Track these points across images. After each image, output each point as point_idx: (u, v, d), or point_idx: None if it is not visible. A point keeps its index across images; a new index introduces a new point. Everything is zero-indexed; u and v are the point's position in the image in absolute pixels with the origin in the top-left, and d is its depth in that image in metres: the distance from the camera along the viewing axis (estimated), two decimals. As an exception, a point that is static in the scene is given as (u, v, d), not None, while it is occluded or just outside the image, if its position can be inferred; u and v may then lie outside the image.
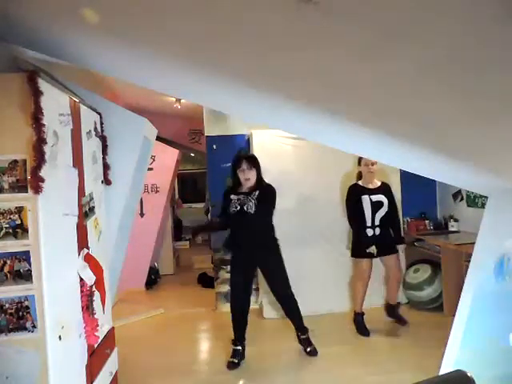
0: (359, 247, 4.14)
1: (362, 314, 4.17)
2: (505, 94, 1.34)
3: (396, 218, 4.29)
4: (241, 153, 3.85)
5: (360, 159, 4.21)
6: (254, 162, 3.64)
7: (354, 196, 4.15)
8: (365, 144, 2.40)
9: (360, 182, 4.23)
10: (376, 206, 4.09)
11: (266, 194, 3.60)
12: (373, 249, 4.01)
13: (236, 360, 3.54)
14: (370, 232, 4.08)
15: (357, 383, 3.20)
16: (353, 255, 4.26)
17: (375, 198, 4.10)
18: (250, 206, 3.54)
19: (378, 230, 4.08)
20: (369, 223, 4.08)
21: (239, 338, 3.63)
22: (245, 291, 3.66)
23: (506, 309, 1.93)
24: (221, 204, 3.80)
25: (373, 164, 4.10)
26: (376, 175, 4.20)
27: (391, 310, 4.32)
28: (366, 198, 4.09)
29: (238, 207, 3.55)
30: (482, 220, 2.20)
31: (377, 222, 4.08)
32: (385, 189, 4.19)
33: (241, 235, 3.63)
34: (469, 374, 1.27)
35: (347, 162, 4.60)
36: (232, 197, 3.62)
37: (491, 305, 2.02)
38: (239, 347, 3.61)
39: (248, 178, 3.58)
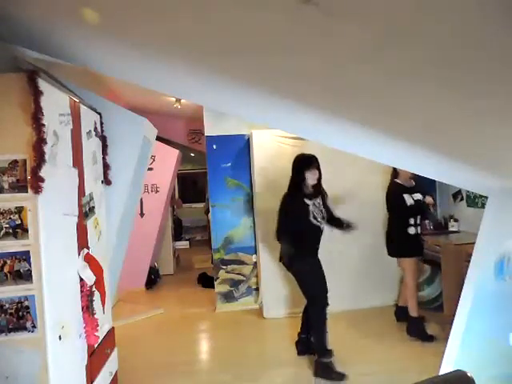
0: (407, 246, 4.01)
1: (422, 317, 4.04)
2: (505, 94, 1.34)
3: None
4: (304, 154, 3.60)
5: None
6: (319, 162, 3.54)
7: (396, 194, 4.03)
8: (365, 144, 2.40)
9: (399, 181, 4.10)
10: (417, 204, 3.99)
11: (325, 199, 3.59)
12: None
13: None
14: (412, 230, 3.98)
15: (357, 383, 3.20)
16: (402, 255, 4.08)
17: (416, 196, 4.02)
18: (323, 212, 3.51)
19: (419, 229, 4.02)
20: (411, 221, 3.98)
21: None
22: None
23: (506, 309, 1.93)
24: (287, 211, 3.49)
25: None
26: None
27: (402, 311, 4.21)
28: (408, 197, 3.98)
29: (320, 214, 3.48)
30: (482, 220, 2.20)
31: (418, 221, 4.01)
32: (420, 187, 4.09)
33: (317, 242, 3.51)
34: (469, 374, 1.27)
35: (347, 162, 4.60)
36: (307, 202, 3.44)
37: (491, 305, 2.02)
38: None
39: (317, 177, 3.48)
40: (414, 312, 3.96)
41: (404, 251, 4.03)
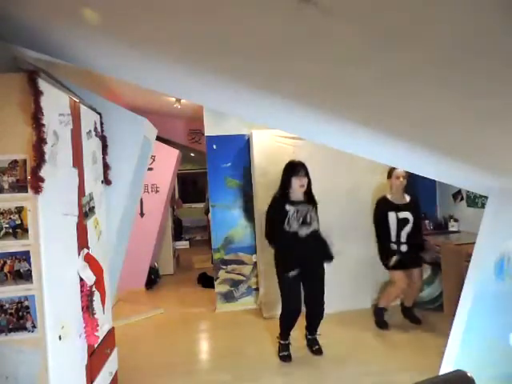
0: (386, 260, 4.15)
1: (385, 309, 4.26)
2: (505, 94, 1.34)
3: (419, 234, 4.24)
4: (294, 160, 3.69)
5: (390, 171, 4.19)
6: (307, 170, 3.59)
7: (381, 211, 4.16)
8: (365, 144, 2.40)
9: (389, 196, 4.20)
10: (402, 222, 4.08)
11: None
12: (393, 260, 4.03)
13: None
14: (393, 247, 4.10)
15: (357, 383, 3.20)
16: (386, 268, 4.21)
17: (402, 215, 4.09)
18: (306, 219, 3.53)
19: (403, 247, 4.08)
20: (393, 239, 4.10)
21: None
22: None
23: (506, 309, 1.93)
24: (267, 215, 3.65)
25: (404, 177, 4.09)
26: (404, 188, 4.19)
27: (407, 311, 4.33)
28: (392, 215, 4.08)
29: (298, 221, 3.50)
30: (481, 220, 2.20)
31: (402, 239, 4.09)
32: (413, 204, 4.16)
33: (300, 250, 3.51)
34: (469, 374, 1.27)
35: (347, 162, 4.60)
36: (288, 207, 3.51)
37: (491, 305, 2.02)
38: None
39: (303, 184, 3.54)
40: (382, 303, 4.26)
41: (386, 265, 4.16)
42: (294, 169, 3.58)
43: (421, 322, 4.21)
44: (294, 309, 3.55)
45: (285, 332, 3.66)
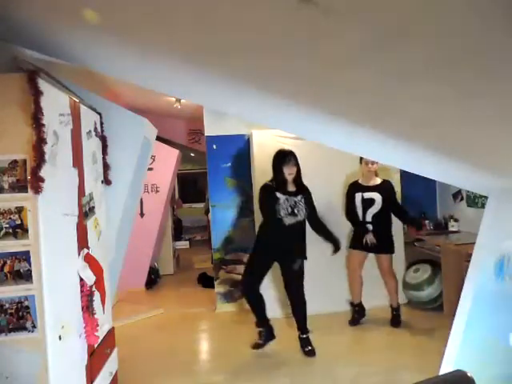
0: (352, 239, 4.36)
1: (356, 304, 4.34)
2: (505, 94, 1.34)
3: (400, 209, 4.35)
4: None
5: (361, 158, 4.29)
6: (296, 159, 3.66)
7: (350, 192, 4.33)
8: (364, 144, 2.40)
9: (359, 180, 4.34)
10: (367, 203, 4.20)
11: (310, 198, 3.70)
12: (370, 238, 4.13)
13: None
14: (356, 224, 4.30)
15: (357, 383, 3.20)
16: (348, 247, 4.43)
17: (367, 195, 4.21)
18: (296, 209, 3.59)
19: (369, 226, 4.19)
20: (360, 219, 4.23)
21: None
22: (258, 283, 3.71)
23: (506, 309, 1.93)
24: (259, 201, 3.76)
25: (372, 163, 4.19)
26: (378, 174, 4.30)
27: (392, 311, 4.33)
28: (358, 196, 4.23)
29: (287, 210, 3.58)
30: (481, 220, 2.20)
31: (368, 219, 4.20)
32: (383, 187, 4.25)
33: (279, 237, 3.62)
34: (469, 374, 1.27)
35: (348, 162, 4.59)
36: (278, 195, 3.60)
37: (491, 305, 2.02)
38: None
39: (291, 172, 3.60)
40: (351, 298, 4.42)
41: (349, 243, 4.40)
42: (283, 158, 3.64)
43: (399, 325, 4.20)
44: (244, 290, 3.76)
45: (256, 317, 3.74)
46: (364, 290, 4.72)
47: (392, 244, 4.27)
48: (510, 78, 1.25)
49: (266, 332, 3.73)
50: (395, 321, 4.24)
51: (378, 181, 4.29)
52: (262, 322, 3.74)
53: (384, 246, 4.21)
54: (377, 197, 4.18)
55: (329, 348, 3.72)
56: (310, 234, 3.82)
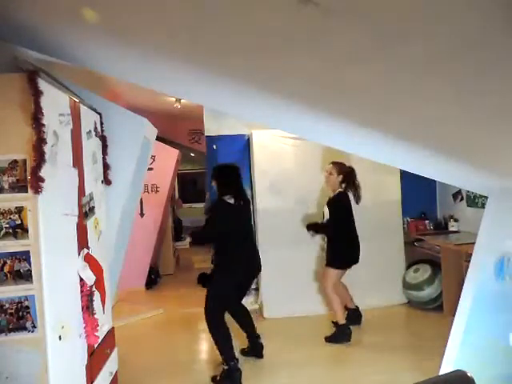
0: (343, 257, 4.09)
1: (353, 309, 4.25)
2: (505, 94, 1.34)
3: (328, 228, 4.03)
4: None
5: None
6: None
7: (346, 202, 4.07)
8: (364, 144, 2.40)
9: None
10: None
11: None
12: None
13: None
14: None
15: (357, 383, 3.20)
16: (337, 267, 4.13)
17: (325, 210, 4.07)
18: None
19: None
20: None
21: None
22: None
23: (506, 309, 1.93)
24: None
25: (327, 171, 4.03)
26: (332, 184, 4.04)
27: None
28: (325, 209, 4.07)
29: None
30: (481, 220, 2.20)
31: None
32: (331, 201, 4.02)
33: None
34: (469, 374, 1.27)
35: (348, 162, 4.59)
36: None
37: (491, 305, 2.02)
38: None
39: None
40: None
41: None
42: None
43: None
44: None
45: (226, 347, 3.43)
46: (364, 290, 4.71)
47: (335, 258, 3.99)
48: (510, 77, 1.25)
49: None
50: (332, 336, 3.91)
51: (332, 194, 4.06)
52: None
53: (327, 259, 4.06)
54: (326, 212, 4.02)
55: (329, 348, 3.72)
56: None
